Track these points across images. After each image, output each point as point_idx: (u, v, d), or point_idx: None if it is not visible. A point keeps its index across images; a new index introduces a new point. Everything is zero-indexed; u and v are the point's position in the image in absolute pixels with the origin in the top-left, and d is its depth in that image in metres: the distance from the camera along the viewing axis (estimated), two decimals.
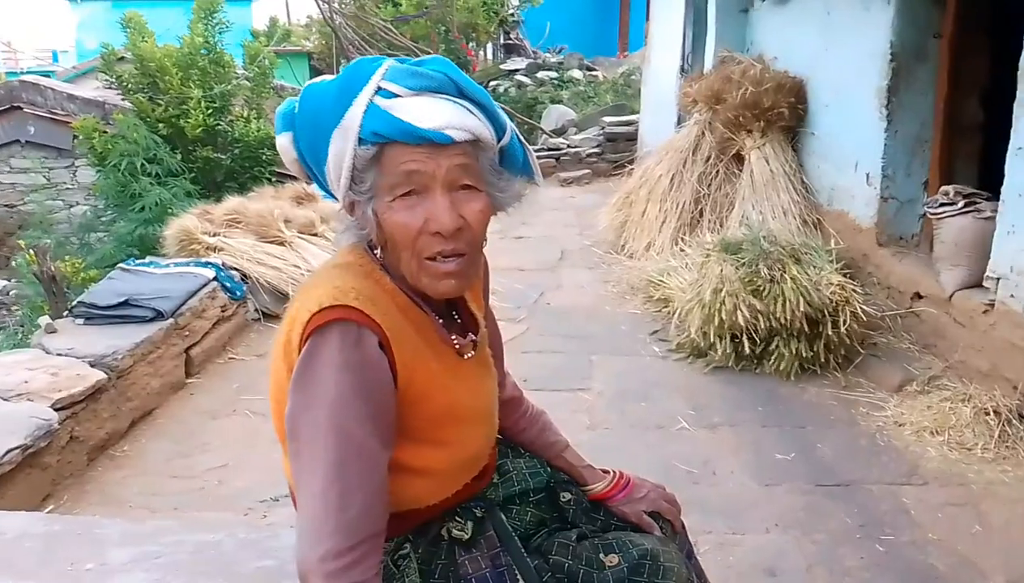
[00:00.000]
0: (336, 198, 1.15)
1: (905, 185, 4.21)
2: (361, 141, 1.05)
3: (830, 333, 3.66)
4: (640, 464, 2.99)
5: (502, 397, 1.38)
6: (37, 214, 8.02)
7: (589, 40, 16.23)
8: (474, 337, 1.26)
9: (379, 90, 1.06)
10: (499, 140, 1.13)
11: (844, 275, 3.93)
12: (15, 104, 9.07)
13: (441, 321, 1.21)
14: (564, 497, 1.37)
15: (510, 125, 1.16)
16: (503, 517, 1.27)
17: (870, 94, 4.24)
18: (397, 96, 1.06)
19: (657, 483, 1.51)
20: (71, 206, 9.31)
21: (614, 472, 1.47)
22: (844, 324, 3.65)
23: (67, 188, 9.52)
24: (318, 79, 1.16)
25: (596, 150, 8.77)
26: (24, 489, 2.65)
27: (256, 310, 4.58)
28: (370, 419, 1.03)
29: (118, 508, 2.84)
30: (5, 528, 1.68)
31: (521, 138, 1.19)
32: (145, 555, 1.54)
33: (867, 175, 4.33)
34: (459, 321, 1.26)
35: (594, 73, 12.53)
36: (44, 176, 9.31)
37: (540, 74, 12.17)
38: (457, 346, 1.21)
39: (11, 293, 7.38)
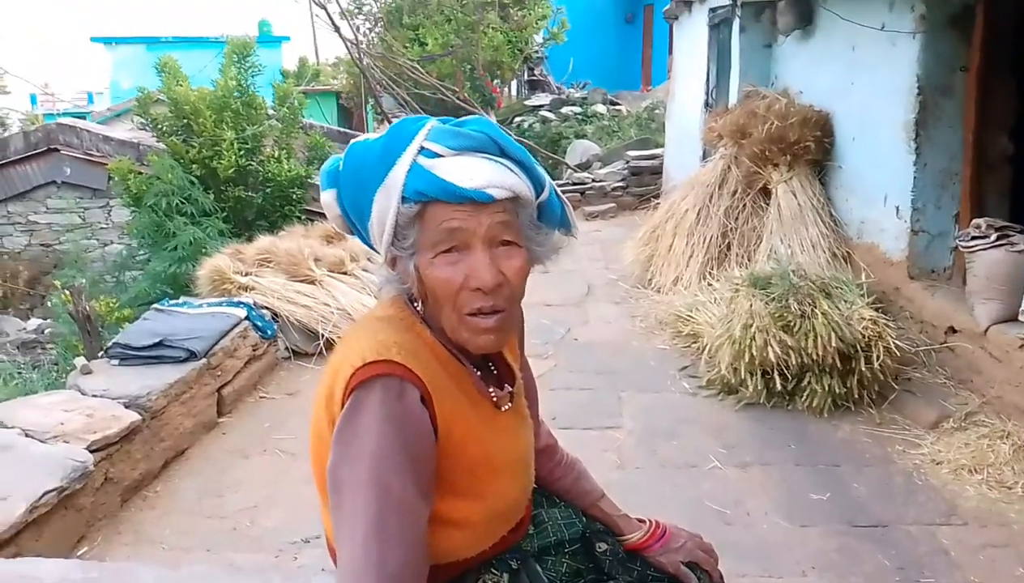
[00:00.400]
0: (379, 252, 1.18)
1: (936, 218, 4.17)
2: (404, 199, 1.08)
3: (863, 369, 3.62)
4: (671, 504, 2.97)
5: (537, 446, 1.37)
6: (72, 253, 8.18)
7: (612, 75, 16.38)
8: (510, 388, 1.27)
9: (422, 150, 1.10)
10: (538, 196, 1.16)
11: (876, 309, 3.90)
12: (52, 145, 9.32)
13: (479, 373, 1.22)
14: (600, 547, 1.36)
15: (548, 181, 1.18)
16: (539, 568, 1.27)
17: (897, 128, 4.23)
18: (439, 156, 1.09)
19: (693, 532, 1.49)
20: (105, 245, 9.50)
21: (650, 521, 1.46)
22: (877, 359, 3.61)
23: (102, 227, 9.72)
24: (362, 137, 1.20)
25: (621, 184, 8.80)
26: (59, 531, 2.67)
27: (286, 348, 4.62)
28: (411, 473, 1.04)
29: (151, 549, 2.85)
30: (42, 575, 1.69)
31: (559, 193, 1.21)
32: None
33: (897, 208, 4.30)
34: (495, 373, 1.28)
35: (618, 107, 12.62)
36: (79, 216, 9.52)
37: (564, 109, 12.28)
38: (494, 398, 1.22)
39: (46, 332, 7.51)
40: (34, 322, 8.48)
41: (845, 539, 2.75)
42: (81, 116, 15.99)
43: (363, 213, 1.15)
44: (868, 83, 4.62)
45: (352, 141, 1.20)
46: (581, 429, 3.55)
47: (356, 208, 1.16)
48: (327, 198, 1.19)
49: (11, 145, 9.52)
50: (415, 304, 1.18)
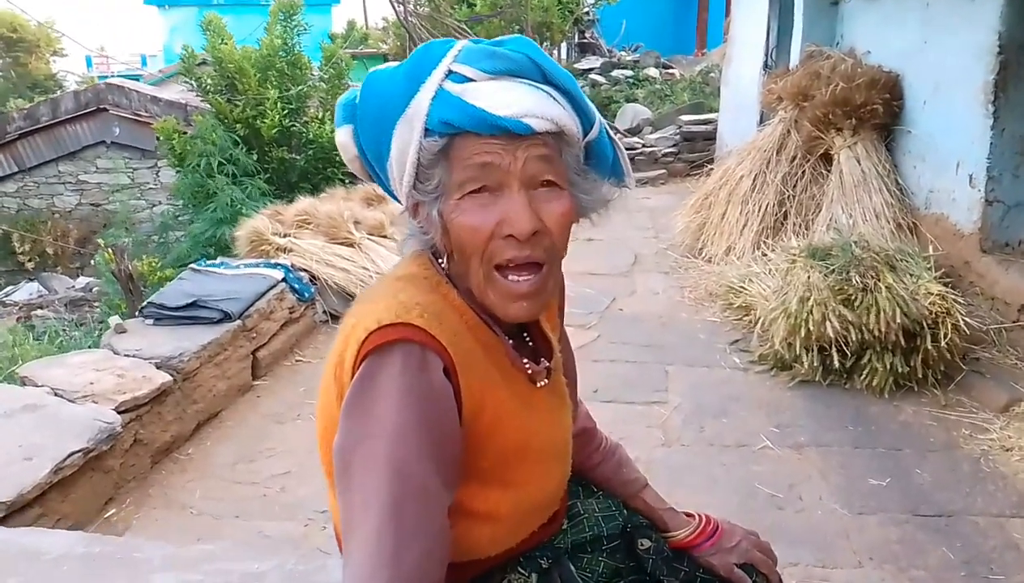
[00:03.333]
0: (399, 199, 1.03)
1: (1013, 188, 3.88)
2: (428, 132, 0.93)
3: (928, 347, 3.39)
4: (719, 486, 2.82)
5: (575, 429, 1.22)
6: (120, 213, 8.23)
7: (666, 38, 15.96)
8: (547, 363, 1.10)
9: (450, 74, 0.94)
10: (586, 134, 0.99)
11: (943, 284, 3.65)
12: (101, 106, 9.38)
13: (511, 343, 1.06)
14: (642, 544, 1.20)
15: (599, 118, 1.01)
16: (572, 567, 1.12)
17: (974, 90, 3.93)
18: (470, 80, 0.93)
19: (749, 530, 1.32)
20: (154, 206, 9.57)
21: (700, 516, 1.29)
22: (944, 337, 3.38)
23: (150, 188, 9.81)
24: (384, 65, 1.04)
25: (672, 150, 8.51)
26: (86, 492, 2.62)
27: (324, 312, 4.54)
28: (432, 456, 0.89)
29: (180, 514, 2.80)
30: (47, 548, 1.61)
31: (611, 133, 1.04)
32: None
33: (970, 177, 4.02)
34: (531, 344, 1.11)
35: (671, 72, 12.25)
36: (128, 176, 9.60)
37: (615, 73, 11.95)
38: (529, 372, 1.06)
39: (94, 290, 7.59)
40: (83, 280, 8.59)
41: (906, 529, 2.57)
42: (135, 78, 16.11)
43: (382, 152, 0.99)
44: (943, 42, 4.30)
45: (372, 69, 1.03)
46: (624, 403, 3.39)
47: (374, 146, 1.00)
48: (342, 136, 1.03)
49: (62, 104, 9.62)
50: (440, 261, 1.02)
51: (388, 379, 0.89)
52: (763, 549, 1.29)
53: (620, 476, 1.29)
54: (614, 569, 1.17)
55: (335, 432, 0.92)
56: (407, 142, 0.95)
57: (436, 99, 0.93)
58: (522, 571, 1.08)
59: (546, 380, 1.09)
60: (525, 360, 1.06)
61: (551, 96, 0.95)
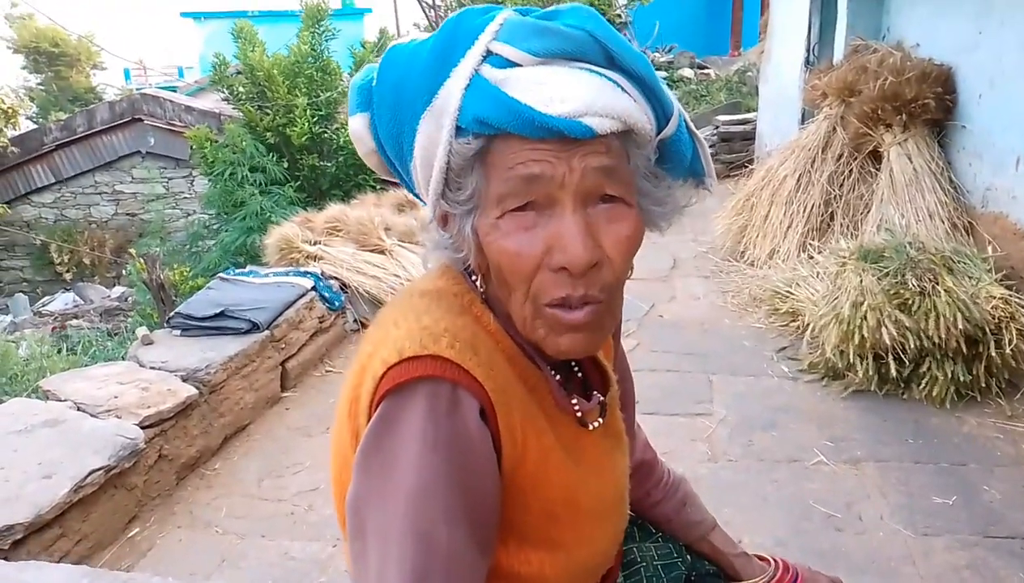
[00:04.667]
0: (424, 202, 0.85)
1: None
2: (460, 130, 0.75)
3: (992, 354, 3.17)
4: (770, 504, 2.64)
5: (632, 461, 1.06)
6: (155, 223, 8.26)
7: (700, 39, 15.72)
8: (601, 398, 0.92)
9: (488, 56, 0.75)
10: (660, 130, 0.79)
11: (1006, 287, 3.42)
12: (136, 116, 9.44)
13: (558, 377, 0.88)
14: None
15: (678, 107, 0.81)
16: None
17: None
18: (514, 64, 0.74)
19: (834, 578, 1.15)
20: (188, 215, 9.61)
21: (776, 562, 1.12)
22: (1009, 344, 3.16)
23: (185, 197, 9.85)
24: (407, 37, 0.84)
25: (710, 151, 8.29)
26: (108, 511, 2.53)
27: (355, 321, 4.44)
28: (464, 517, 0.72)
29: (205, 533, 2.70)
30: (46, 582, 1.51)
31: (691, 125, 0.84)
32: None
33: None
34: (580, 375, 0.94)
35: (706, 72, 12.03)
36: (163, 185, 9.65)
37: None
38: (579, 413, 0.88)
39: (128, 299, 7.60)
40: (118, 290, 8.65)
41: (977, 552, 2.37)
42: (171, 90, 16.29)
43: (404, 149, 0.80)
44: (1000, 33, 4.07)
45: (392, 43, 0.84)
46: (666, 415, 3.22)
47: (395, 142, 0.82)
48: (356, 125, 0.85)
49: (97, 115, 9.71)
50: (474, 278, 0.84)
51: (411, 426, 0.72)
52: None
53: (684, 516, 1.12)
54: None
55: (350, 478, 0.76)
56: (434, 142, 0.76)
57: (470, 89, 0.74)
58: None
59: (599, 420, 0.91)
60: (574, 400, 0.88)
61: (618, 85, 0.74)
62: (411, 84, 0.77)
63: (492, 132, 0.73)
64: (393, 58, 0.81)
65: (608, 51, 0.75)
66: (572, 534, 0.85)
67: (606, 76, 0.74)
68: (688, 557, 1.08)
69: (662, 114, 0.79)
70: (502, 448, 0.77)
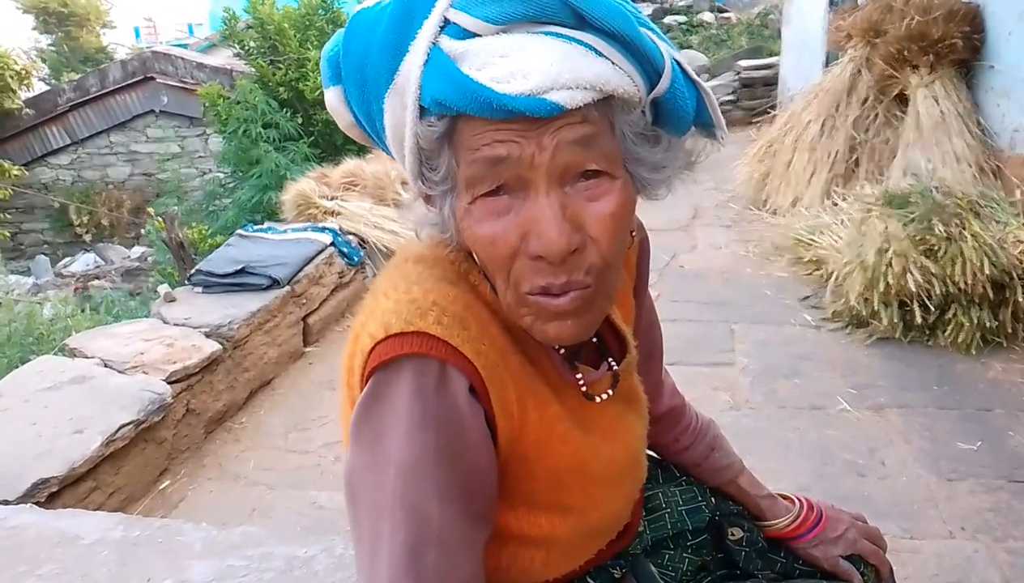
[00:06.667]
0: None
1: None
2: (424, 111, 0.68)
3: (1019, 299, 3.13)
4: (792, 451, 2.64)
5: (658, 410, 1.04)
6: (171, 182, 8.27)
7: None
8: (614, 365, 0.88)
9: (445, 25, 0.67)
10: (652, 87, 0.70)
11: None
12: (148, 74, 9.40)
13: (562, 350, 0.83)
14: (733, 534, 1.04)
15: (669, 57, 0.71)
16: (653, 569, 0.96)
17: None
18: (472, 35, 0.66)
19: (856, 514, 1.14)
20: (204, 173, 9.62)
21: (801, 501, 1.11)
22: None
23: (200, 156, 9.85)
24: (369, 1, 0.75)
25: (730, 97, 8.15)
26: (139, 464, 2.58)
27: (374, 275, 4.45)
28: (457, 494, 0.70)
29: (234, 484, 2.75)
30: (83, 531, 1.54)
31: (692, 74, 0.74)
32: (229, 571, 1.36)
33: None
34: (594, 340, 0.89)
35: (726, 16, 11.78)
36: (178, 145, 9.64)
37: (667, 20, 11.53)
38: (583, 387, 0.84)
39: (149, 259, 7.66)
40: (137, 250, 8.71)
41: (1001, 495, 2.36)
42: (182, 47, 16.18)
43: (376, 125, 0.74)
44: None
45: (357, 8, 0.75)
46: (688, 365, 3.22)
47: (367, 117, 0.75)
48: (331, 99, 0.78)
49: (110, 74, 9.67)
50: None
51: (398, 404, 0.70)
52: (872, 536, 1.12)
53: (712, 462, 1.10)
54: (700, 564, 1.02)
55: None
56: (401, 122, 0.70)
57: (428, 66, 0.66)
58: (591, 582, 0.92)
59: (610, 391, 0.87)
60: (579, 375, 0.84)
61: (591, 48, 0.66)
62: (373, 59, 0.71)
63: (453, 113, 0.67)
64: (355, 28, 0.73)
65: (576, 9, 0.66)
66: (583, 499, 0.84)
67: (576, 40, 0.66)
68: (712, 499, 1.07)
69: (652, 70, 0.70)
70: (496, 422, 0.74)
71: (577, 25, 0.66)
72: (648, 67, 0.69)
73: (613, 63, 0.67)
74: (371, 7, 0.73)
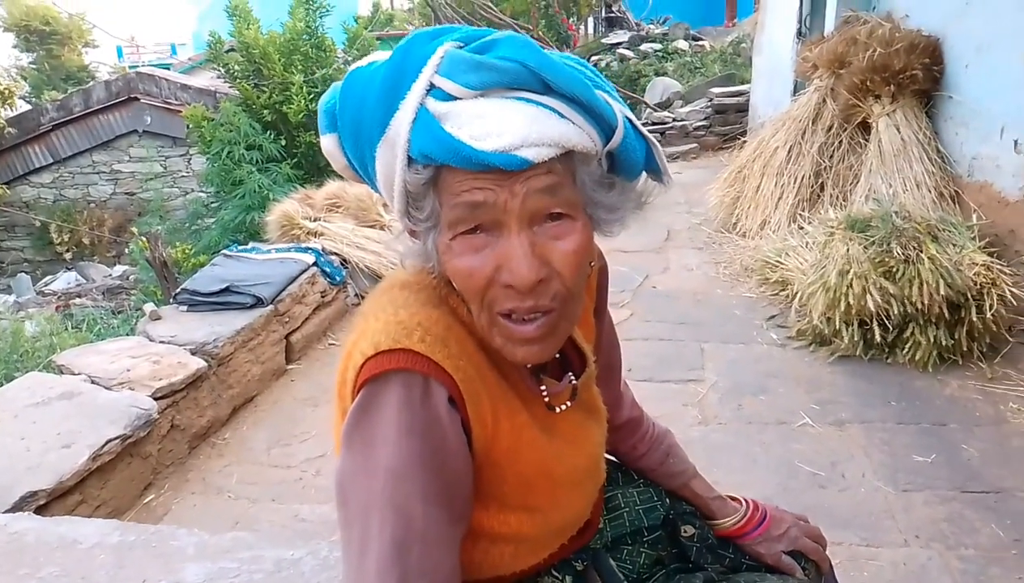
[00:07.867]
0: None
1: None
2: (411, 161, 0.80)
3: (974, 319, 3.28)
4: (758, 465, 2.76)
5: (618, 420, 1.16)
6: (154, 201, 8.31)
7: (695, 10, 15.68)
8: (574, 379, 1.00)
9: (432, 89, 0.79)
10: (607, 141, 0.83)
11: (988, 254, 3.52)
12: (132, 95, 9.46)
13: (529, 366, 0.95)
14: (685, 531, 1.16)
15: (622, 116, 0.84)
16: (613, 564, 1.07)
17: (1021, 52, 3.77)
18: (455, 98, 0.78)
19: (799, 515, 1.26)
20: (187, 193, 9.67)
21: (747, 502, 1.23)
22: (990, 309, 3.26)
23: (183, 176, 9.90)
24: (369, 59, 0.88)
25: (704, 123, 8.36)
26: (125, 478, 2.65)
27: (356, 295, 4.54)
28: (438, 495, 0.81)
29: (218, 498, 2.82)
30: (81, 536, 1.62)
31: (641, 129, 0.88)
32: (221, 573, 1.44)
33: (1015, 142, 3.86)
34: (557, 356, 1.01)
35: (700, 43, 12.05)
36: (160, 164, 9.68)
37: (644, 47, 11.77)
38: (546, 398, 0.96)
39: (130, 278, 7.69)
40: (119, 269, 8.73)
41: (954, 506, 2.48)
42: (165, 67, 16.24)
43: (369, 170, 0.87)
44: (988, 2, 4.14)
45: (352, 67, 0.88)
46: (659, 382, 3.34)
47: (360, 162, 0.87)
48: (328, 145, 0.90)
49: (93, 94, 9.72)
50: None
51: (386, 414, 0.80)
52: (813, 535, 1.24)
53: (667, 467, 1.23)
54: (656, 558, 1.13)
55: None
56: (391, 169, 0.82)
57: (416, 123, 0.78)
58: (556, 574, 1.03)
59: (568, 402, 0.99)
60: (543, 387, 0.96)
61: (555, 111, 0.78)
62: (367, 114, 0.82)
63: (438, 164, 0.78)
64: (351, 84, 0.85)
65: (543, 79, 0.78)
66: (548, 500, 0.95)
67: (543, 104, 0.78)
68: (667, 500, 1.19)
69: (607, 127, 0.82)
70: (472, 431, 0.85)
71: (544, 91, 0.79)
72: (604, 125, 0.82)
73: (574, 123, 0.79)
74: (365, 67, 0.85)
